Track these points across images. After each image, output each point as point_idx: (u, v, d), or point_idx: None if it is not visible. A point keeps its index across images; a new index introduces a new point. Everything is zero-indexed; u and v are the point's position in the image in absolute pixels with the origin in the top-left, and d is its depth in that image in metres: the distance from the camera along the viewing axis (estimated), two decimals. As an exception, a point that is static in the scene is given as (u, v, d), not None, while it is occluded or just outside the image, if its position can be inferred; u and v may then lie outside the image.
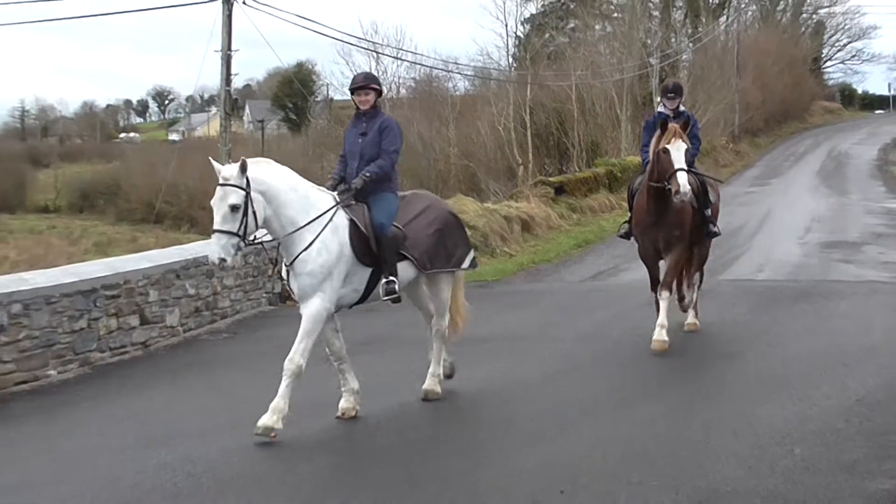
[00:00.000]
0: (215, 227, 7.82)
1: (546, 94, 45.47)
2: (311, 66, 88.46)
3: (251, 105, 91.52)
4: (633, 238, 12.30)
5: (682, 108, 12.42)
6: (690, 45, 63.76)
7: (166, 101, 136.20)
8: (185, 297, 14.43)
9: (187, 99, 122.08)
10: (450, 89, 49.15)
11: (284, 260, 8.38)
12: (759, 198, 34.45)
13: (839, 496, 6.57)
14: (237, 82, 29.22)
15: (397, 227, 8.66)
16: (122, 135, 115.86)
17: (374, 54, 46.57)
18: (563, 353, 12.01)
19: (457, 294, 9.83)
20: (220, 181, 7.81)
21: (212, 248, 7.93)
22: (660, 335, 11.19)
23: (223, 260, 7.84)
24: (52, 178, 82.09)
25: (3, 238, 58.87)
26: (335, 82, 65.41)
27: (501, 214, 25.87)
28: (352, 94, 9.31)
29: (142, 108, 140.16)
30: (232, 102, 30.82)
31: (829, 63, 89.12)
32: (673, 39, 64.84)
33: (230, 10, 25.51)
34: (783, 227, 26.16)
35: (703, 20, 70.62)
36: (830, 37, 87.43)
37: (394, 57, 46.42)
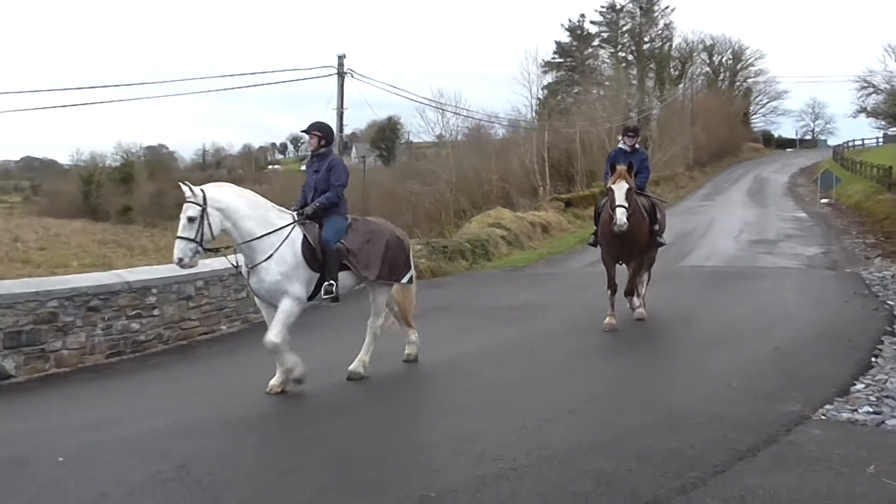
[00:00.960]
0: (177, 234, 7.31)
1: (558, 138, 45.50)
2: (396, 119, 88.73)
3: (356, 146, 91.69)
4: (598, 245, 11.22)
5: (637, 146, 11.46)
6: (658, 103, 63.56)
7: (299, 143, 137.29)
8: (312, 277, 14.51)
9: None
10: (492, 135, 49.16)
11: (246, 262, 7.72)
12: (706, 209, 34.20)
13: (763, 415, 6.53)
14: (347, 130, 29.40)
15: (342, 243, 8.04)
16: (269, 167, 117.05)
17: (441, 110, 46.60)
18: (571, 317, 11.96)
19: (406, 299, 9.16)
20: (185, 199, 7.30)
21: (174, 250, 7.34)
22: (611, 319, 10.53)
23: (181, 259, 7.23)
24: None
25: (190, 236, 59.60)
26: (413, 130, 65.42)
27: (528, 220, 25.93)
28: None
29: (282, 148, 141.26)
30: (343, 144, 31.13)
31: (754, 116, 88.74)
32: (646, 100, 64.73)
33: (342, 81, 25.75)
34: (723, 230, 25.98)
35: (668, 86, 70.51)
36: (755, 98, 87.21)
37: (454, 112, 46.39)
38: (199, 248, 7.28)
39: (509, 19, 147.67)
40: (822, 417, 6.55)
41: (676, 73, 75.68)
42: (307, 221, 7.99)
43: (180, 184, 7.40)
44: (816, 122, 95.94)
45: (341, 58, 25.77)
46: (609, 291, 10.64)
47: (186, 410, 7.40)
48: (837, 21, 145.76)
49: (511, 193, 39.10)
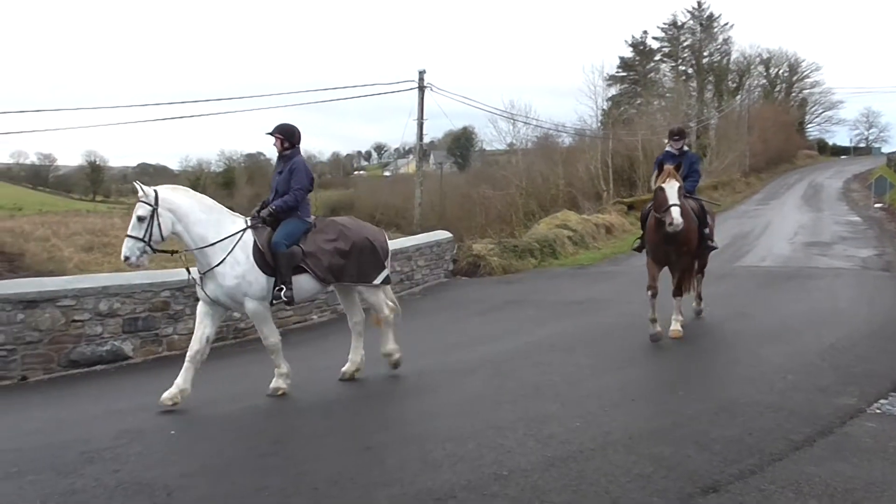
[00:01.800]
0: (127, 232, 6.77)
1: (621, 146, 44.93)
2: (471, 129, 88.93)
3: (434, 153, 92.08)
4: (644, 250, 10.02)
5: (685, 147, 10.48)
6: (717, 114, 62.22)
7: (382, 151, 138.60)
8: (394, 272, 14.60)
9: (395, 150, 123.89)
10: (559, 143, 48.80)
11: (199, 268, 7.10)
12: (762, 213, 33.31)
13: (818, 407, 6.33)
14: (426, 139, 29.54)
15: (299, 246, 7.31)
16: (356, 172, 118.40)
17: (512, 120, 46.46)
18: (632, 311, 11.75)
19: (378, 302, 8.07)
20: (138, 198, 6.78)
21: (123, 247, 6.80)
22: (675, 326, 9.34)
23: (127, 258, 6.72)
24: (314, 199, 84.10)
25: (284, 235, 60.70)
26: (486, 139, 65.44)
27: (592, 222, 25.60)
28: None
29: (367, 156, 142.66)
30: (423, 152, 31.29)
31: (809, 125, 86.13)
32: (705, 110, 63.48)
33: (423, 94, 25.91)
34: (779, 232, 25.27)
35: (726, 98, 69.02)
36: (811, 108, 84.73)
37: (524, 122, 46.21)
38: (148, 248, 6.75)
39: (576, 36, 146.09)
40: (877, 411, 6.32)
41: (734, 85, 73.91)
42: (260, 225, 7.37)
43: (134, 183, 6.95)
44: (870, 131, 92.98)
45: (422, 73, 25.94)
46: (649, 293, 9.31)
47: (281, 391, 7.51)
48: (892, 32, 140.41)
49: (577, 197, 38.73)
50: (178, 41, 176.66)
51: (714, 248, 10.43)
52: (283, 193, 7.53)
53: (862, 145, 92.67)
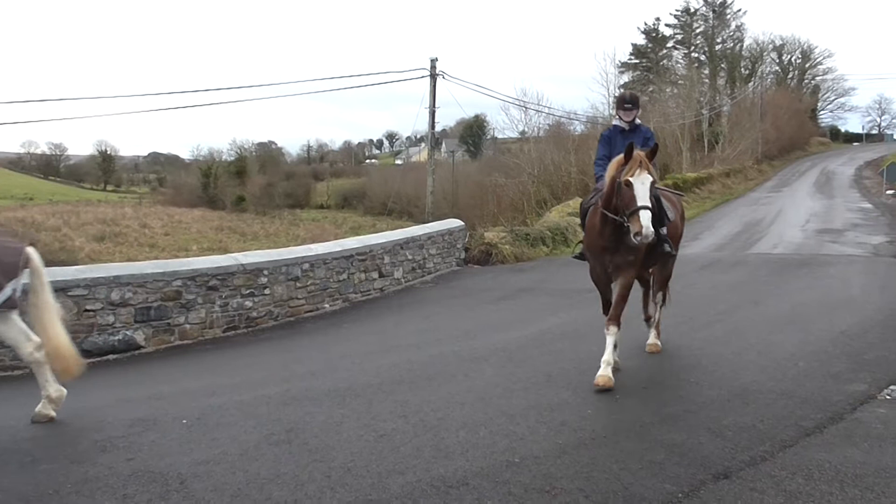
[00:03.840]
0: None
1: (633, 133, 44.82)
2: (483, 117, 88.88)
3: (446, 141, 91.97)
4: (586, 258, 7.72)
5: (638, 120, 7.85)
6: (729, 101, 61.86)
7: (394, 139, 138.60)
8: (406, 261, 14.63)
9: (407, 138, 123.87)
10: (571, 131, 48.63)
11: None
12: (774, 200, 33.21)
13: (829, 394, 6.32)
14: (438, 127, 29.50)
15: None
16: (367, 161, 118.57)
17: (524, 108, 46.33)
18: (633, 301, 11.77)
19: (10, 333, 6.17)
20: None
21: None
22: (604, 371, 6.70)
23: None
24: (325, 188, 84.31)
25: (297, 224, 60.85)
26: (498, 127, 65.36)
27: (604, 210, 25.52)
28: None
29: (379, 144, 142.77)
30: (435, 140, 31.26)
31: (822, 112, 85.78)
32: (717, 97, 63.11)
33: (435, 83, 25.85)
34: (790, 219, 25.23)
35: (738, 85, 68.63)
36: (823, 95, 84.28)
37: (536, 109, 46.06)
38: None
39: (588, 24, 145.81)
40: (888, 397, 6.30)
41: (747, 72, 73.48)
42: None
43: None
44: (883, 118, 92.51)
45: (434, 61, 25.87)
46: (607, 324, 7.04)
47: (294, 380, 7.56)
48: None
49: (588, 185, 38.60)
50: (190, 30, 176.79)
51: (670, 253, 7.52)
52: None
53: (874, 132, 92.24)
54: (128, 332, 9.58)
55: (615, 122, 7.87)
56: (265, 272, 11.22)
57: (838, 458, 4.88)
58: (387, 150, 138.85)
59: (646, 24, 78.00)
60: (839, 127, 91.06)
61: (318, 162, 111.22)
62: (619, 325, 6.99)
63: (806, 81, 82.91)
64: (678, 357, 7.95)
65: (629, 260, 6.96)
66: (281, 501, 4.37)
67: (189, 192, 75.65)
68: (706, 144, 51.08)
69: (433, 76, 25.94)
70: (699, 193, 36.04)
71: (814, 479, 4.56)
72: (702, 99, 55.88)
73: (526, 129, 49.53)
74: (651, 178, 6.43)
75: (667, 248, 7.28)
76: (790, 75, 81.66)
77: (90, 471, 4.97)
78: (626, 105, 7.78)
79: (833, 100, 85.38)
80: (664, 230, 7.21)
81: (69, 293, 9.10)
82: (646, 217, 6.24)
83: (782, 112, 62.64)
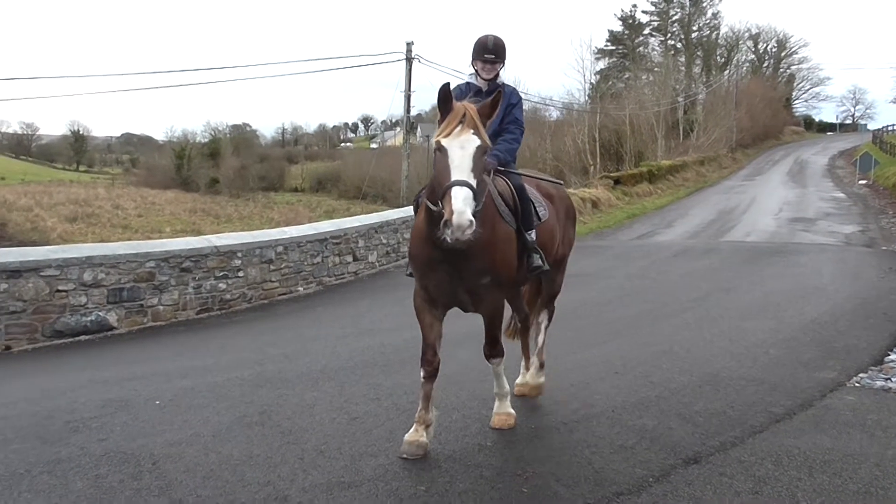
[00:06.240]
0: None
1: (609, 120, 45.01)
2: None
3: (421, 126, 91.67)
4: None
5: (501, 80, 5.57)
6: (705, 89, 62.22)
7: (369, 123, 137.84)
8: (381, 245, 14.61)
9: (382, 122, 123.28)
10: (547, 117, 48.71)
11: None
12: (748, 188, 33.51)
13: (799, 381, 6.43)
14: (413, 111, 29.44)
15: None
16: (342, 144, 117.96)
17: (500, 93, 46.22)
18: (617, 286, 11.87)
19: None
20: None
21: None
22: (502, 406, 5.33)
23: None
24: (300, 171, 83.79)
25: (271, 207, 60.42)
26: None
27: (579, 196, 25.72)
28: None
29: (354, 128, 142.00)
30: (410, 124, 31.21)
31: (796, 101, 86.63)
32: (693, 85, 63.44)
33: (411, 66, 25.83)
34: (764, 208, 25.48)
35: (714, 73, 69.04)
36: (798, 84, 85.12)
37: (511, 95, 45.98)
38: None
39: (565, 9, 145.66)
40: (857, 385, 6.42)
41: (723, 60, 73.95)
42: None
43: None
44: (857, 108, 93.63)
45: (409, 44, 25.83)
46: (422, 370, 5.06)
47: (267, 362, 7.54)
48: (880, 10, 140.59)
49: (564, 171, 38.83)
50: (164, 10, 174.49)
51: (539, 268, 5.23)
52: None
53: (848, 122, 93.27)
54: (100, 313, 9.50)
55: (470, 78, 5.63)
56: (239, 254, 11.16)
57: (807, 444, 4.96)
58: (362, 134, 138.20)
59: (622, 10, 78.51)
60: (813, 117, 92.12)
61: (293, 145, 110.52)
62: (501, 354, 5.30)
63: (781, 70, 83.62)
64: (650, 343, 8.02)
65: (483, 283, 4.69)
66: (254, 482, 4.37)
67: (162, 173, 74.79)
68: (681, 132, 51.34)
69: (409, 59, 25.90)
70: (673, 181, 36.27)
71: (783, 464, 4.63)
72: (677, 86, 56.15)
73: (501, 115, 49.45)
74: (479, 141, 4.29)
75: (536, 260, 5.20)
76: (765, 64, 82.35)
77: (62, 451, 4.94)
78: (487, 54, 5.44)
79: (808, 89, 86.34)
80: (532, 234, 5.20)
81: (41, 273, 9.01)
82: (458, 197, 4.05)
83: (757, 101, 63.15)
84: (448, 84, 4.39)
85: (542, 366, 6.08)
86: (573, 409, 5.70)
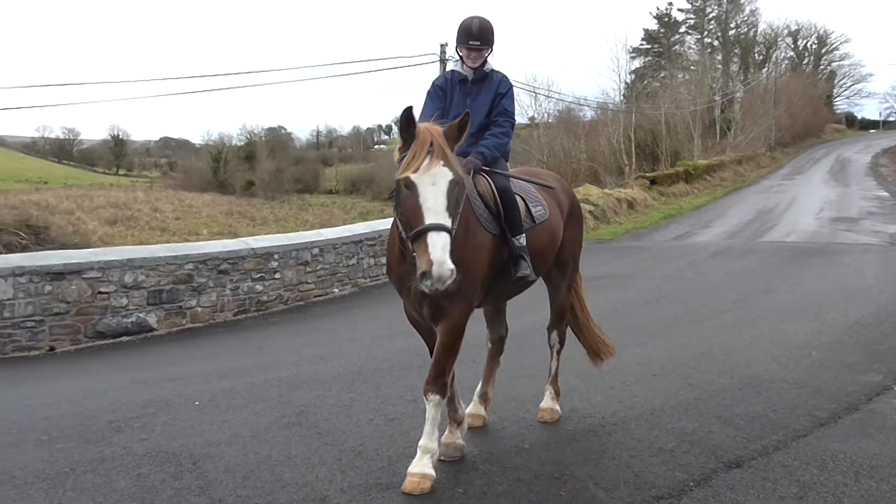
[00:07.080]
0: None
1: (644, 119, 44.59)
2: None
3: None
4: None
5: (489, 67, 5.07)
6: (742, 87, 61.46)
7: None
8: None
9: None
10: (581, 117, 48.45)
11: None
12: (788, 188, 32.98)
13: (843, 384, 6.30)
14: (447, 113, 29.50)
15: None
16: (376, 146, 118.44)
17: (534, 94, 46.09)
18: (654, 287, 11.75)
19: None
20: None
21: None
22: (418, 464, 4.32)
23: None
24: (334, 173, 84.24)
25: (306, 209, 60.83)
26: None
27: (614, 197, 25.51)
28: None
29: (388, 130, 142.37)
30: (444, 125, 31.30)
31: (838, 98, 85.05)
32: (730, 84, 62.69)
33: (444, 68, 25.80)
34: (804, 207, 25.05)
35: (752, 71, 68.21)
36: (839, 81, 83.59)
37: (546, 95, 45.81)
38: None
39: (600, 8, 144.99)
40: (903, 388, 6.28)
41: (761, 57, 72.96)
42: None
43: None
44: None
45: (443, 46, 25.74)
46: (424, 390, 4.50)
47: (304, 363, 7.59)
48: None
49: (598, 172, 38.60)
50: (201, 15, 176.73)
51: (526, 277, 4.76)
52: None
53: (892, 118, 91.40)
54: (140, 315, 9.64)
55: (453, 65, 5.31)
56: (275, 256, 11.24)
57: (853, 448, 4.86)
58: (395, 136, 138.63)
59: (658, 8, 77.45)
60: (855, 114, 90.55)
61: (327, 147, 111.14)
62: (442, 391, 4.45)
63: (822, 67, 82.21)
64: (688, 345, 7.93)
65: (443, 305, 4.30)
66: (292, 483, 4.39)
67: (199, 176, 75.59)
68: (718, 131, 50.74)
69: (443, 61, 25.85)
70: (711, 181, 35.83)
71: (828, 469, 4.54)
72: (714, 85, 55.45)
73: (535, 115, 49.28)
74: (450, 174, 3.91)
75: (523, 269, 4.70)
76: (805, 61, 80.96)
77: (105, 450, 5.02)
78: (472, 41, 4.95)
79: (849, 86, 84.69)
80: (521, 239, 4.71)
81: (83, 275, 9.17)
82: (437, 245, 3.70)
83: (796, 98, 62.13)
84: (411, 108, 4.00)
85: (557, 394, 5.60)
86: (611, 412, 5.65)
